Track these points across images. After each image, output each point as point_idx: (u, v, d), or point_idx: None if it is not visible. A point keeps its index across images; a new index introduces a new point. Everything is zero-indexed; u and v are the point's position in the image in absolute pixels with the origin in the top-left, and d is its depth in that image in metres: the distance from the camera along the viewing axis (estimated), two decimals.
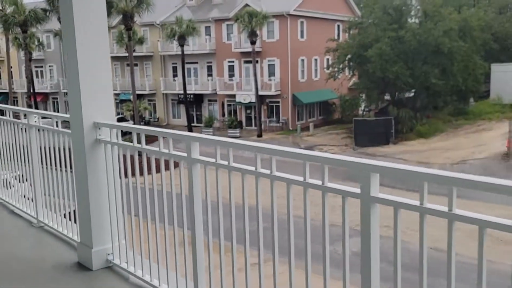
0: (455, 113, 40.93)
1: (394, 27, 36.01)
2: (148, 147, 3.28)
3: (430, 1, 38.80)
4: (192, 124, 46.44)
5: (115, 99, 54.34)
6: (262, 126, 42.86)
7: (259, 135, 41.13)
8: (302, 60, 46.17)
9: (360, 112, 48.13)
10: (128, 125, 3.63)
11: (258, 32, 40.35)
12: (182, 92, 48.32)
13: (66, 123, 4.23)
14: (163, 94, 51.34)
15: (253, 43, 40.15)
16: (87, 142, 3.62)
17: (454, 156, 28.81)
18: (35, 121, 4.82)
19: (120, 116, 47.83)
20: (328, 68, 44.67)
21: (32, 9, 31.64)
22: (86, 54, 3.54)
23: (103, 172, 3.63)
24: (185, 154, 2.91)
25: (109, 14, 28.32)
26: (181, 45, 43.75)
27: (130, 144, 3.36)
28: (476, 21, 40.32)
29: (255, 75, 40.88)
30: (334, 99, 48.58)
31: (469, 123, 38.23)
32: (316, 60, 48.05)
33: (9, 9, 34.35)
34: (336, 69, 39.61)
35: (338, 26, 50.88)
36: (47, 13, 32.52)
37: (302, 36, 45.72)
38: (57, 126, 4.28)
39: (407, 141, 34.68)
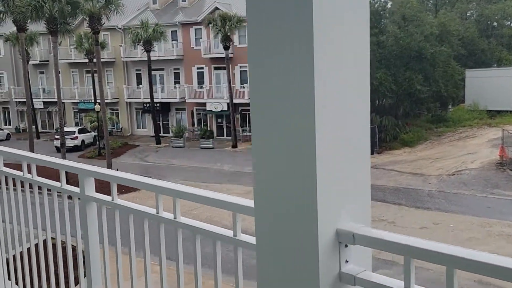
0: (433, 120, 40.12)
1: (374, 32, 34.71)
2: None
3: (408, 5, 37.89)
4: (160, 135, 43.64)
5: (73, 109, 50.77)
6: (232, 135, 40.64)
7: (234, 146, 38.86)
8: None
9: None
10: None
11: (231, 36, 38.16)
12: (147, 100, 45.52)
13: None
14: (126, 102, 48.23)
15: (226, 48, 37.94)
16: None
17: (447, 166, 27.56)
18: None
19: (81, 127, 44.42)
20: None
21: None
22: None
23: None
24: (77, 190, 2.66)
25: (73, 15, 25.42)
26: (147, 51, 40.99)
27: None
28: (453, 26, 39.81)
29: (229, 82, 38.65)
30: None
31: (451, 130, 37.41)
32: None
33: None
34: None
35: None
36: (1, 15, 29.05)
37: None
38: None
39: (392, 150, 33.33)
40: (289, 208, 1.34)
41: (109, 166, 28.70)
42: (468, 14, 67.39)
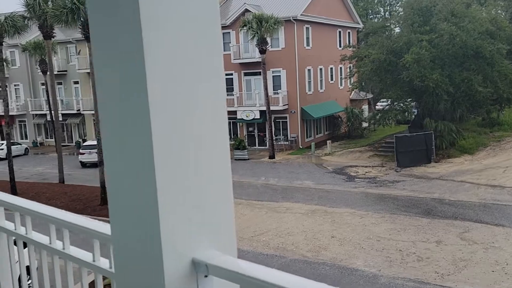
0: (485, 124, 37.24)
1: (425, 30, 32.03)
2: None
3: (456, 0, 35.17)
4: None
5: (93, 120, 48.19)
6: (269, 145, 37.96)
7: (272, 157, 36.10)
8: (309, 70, 41.73)
9: (365, 125, 44.16)
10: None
11: (268, 39, 35.54)
12: None
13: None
14: None
15: (263, 52, 35.30)
16: None
17: None
18: None
19: None
20: (345, 77, 40.76)
21: (9, 16, 25.57)
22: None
23: None
24: None
25: (73, 22, 22.64)
26: None
27: None
28: (506, 22, 37.06)
29: (265, 88, 35.99)
30: (340, 112, 44.57)
31: (508, 134, 34.55)
32: (321, 70, 43.78)
33: None
34: (361, 78, 35.30)
35: (340, 32, 46.99)
36: (27, 21, 26.56)
37: (308, 44, 41.32)
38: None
39: (450, 158, 30.54)
40: (141, 235, 1.25)
41: None
42: (498, 11, 64.46)
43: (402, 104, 32.95)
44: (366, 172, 29.34)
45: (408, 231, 17.92)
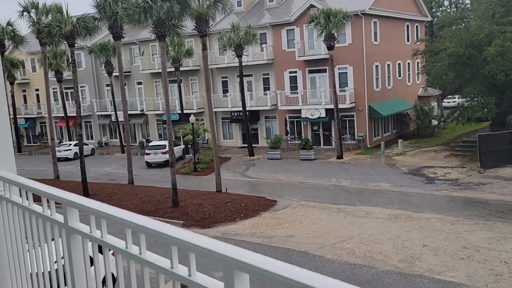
0: None
1: (508, 20, 29.72)
2: None
3: None
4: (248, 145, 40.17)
5: (157, 120, 48.50)
6: (335, 144, 36.66)
7: (340, 157, 34.76)
8: (376, 67, 40.01)
9: (434, 123, 41.98)
10: None
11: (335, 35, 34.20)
12: (234, 109, 42.49)
13: None
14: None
15: (331, 48, 34.02)
16: None
17: None
18: None
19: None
20: (418, 73, 38.82)
21: (81, 18, 25.71)
22: None
23: None
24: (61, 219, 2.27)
25: (180, 16, 22.30)
26: (239, 56, 37.72)
27: None
28: None
29: (334, 85, 34.69)
30: (408, 110, 42.53)
31: None
32: (389, 65, 41.92)
33: (46, 19, 28.37)
34: (437, 74, 33.28)
35: (407, 26, 44.89)
36: (97, 22, 26.62)
37: (375, 39, 39.59)
38: None
39: None
40: None
41: (219, 186, 25.43)
42: None
43: (483, 100, 30.72)
44: (446, 174, 27.47)
45: (510, 240, 16.25)
